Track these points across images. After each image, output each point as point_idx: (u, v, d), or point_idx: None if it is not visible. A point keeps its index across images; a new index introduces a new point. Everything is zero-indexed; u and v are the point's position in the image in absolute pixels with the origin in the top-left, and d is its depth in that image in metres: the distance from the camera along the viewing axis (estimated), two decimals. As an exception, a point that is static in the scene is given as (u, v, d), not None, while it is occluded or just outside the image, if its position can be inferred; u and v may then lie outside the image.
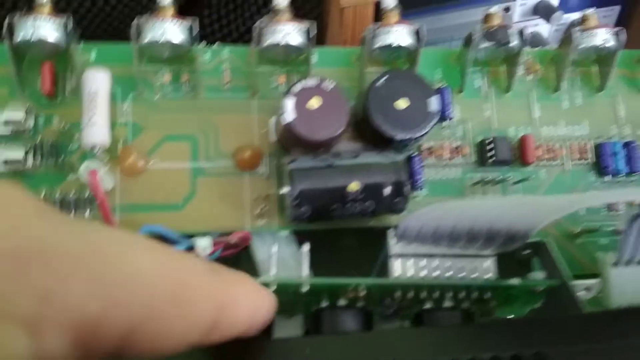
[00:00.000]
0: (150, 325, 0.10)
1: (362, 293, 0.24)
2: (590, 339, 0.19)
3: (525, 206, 0.21)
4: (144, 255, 0.11)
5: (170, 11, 0.28)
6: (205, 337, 0.12)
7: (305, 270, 0.24)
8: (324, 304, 0.24)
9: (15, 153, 0.26)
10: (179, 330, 0.11)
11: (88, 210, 0.27)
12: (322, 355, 0.19)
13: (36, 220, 0.09)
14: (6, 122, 0.27)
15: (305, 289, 0.23)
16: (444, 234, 0.21)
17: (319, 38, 0.29)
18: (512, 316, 0.26)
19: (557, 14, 0.37)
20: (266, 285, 0.22)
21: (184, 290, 0.11)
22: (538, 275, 0.25)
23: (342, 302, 0.24)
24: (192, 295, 0.11)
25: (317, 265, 0.24)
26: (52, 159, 0.27)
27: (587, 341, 0.19)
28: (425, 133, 0.27)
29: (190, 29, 0.28)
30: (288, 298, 0.24)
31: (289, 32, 0.28)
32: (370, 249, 0.26)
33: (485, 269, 0.25)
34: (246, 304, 0.13)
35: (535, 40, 0.39)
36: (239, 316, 0.13)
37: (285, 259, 0.26)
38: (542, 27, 0.39)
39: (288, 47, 0.28)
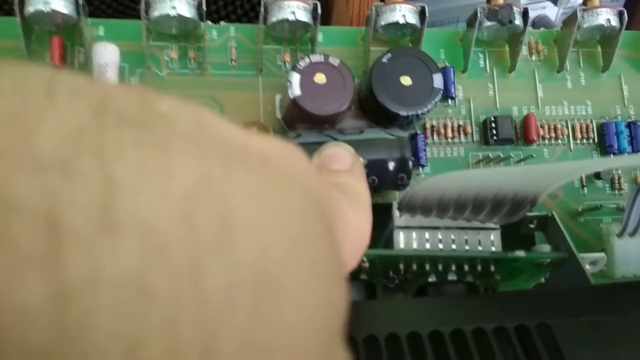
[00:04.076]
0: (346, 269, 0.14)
1: (365, 265, 0.24)
2: (594, 311, 0.19)
3: (533, 172, 0.21)
4: (358, 219, 0.15)
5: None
6: None
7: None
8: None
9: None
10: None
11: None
12: None
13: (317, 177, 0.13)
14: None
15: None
16: (449, 201, 0.21)
17: (325, 18, 0.29)
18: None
19: (564, -4, 0.37)
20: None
21: (363, 242, 0.15)
22: (544, 248, 0.25)
23: (345, 274, 0.24)
24: (364, 244, 0.15)
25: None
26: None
27: (591, 313, 0.19)
28: (429, 109, 0.27)
29: (198, 6, 0.28)
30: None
31: (296, 9, 0.28)
32: (373, 226, 0.26)
33: (489, 242, 0.25)
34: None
35: (543, 24, 0.39)
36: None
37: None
38: (549, 10, 0.39)
39: (295, 23, 0.28)
